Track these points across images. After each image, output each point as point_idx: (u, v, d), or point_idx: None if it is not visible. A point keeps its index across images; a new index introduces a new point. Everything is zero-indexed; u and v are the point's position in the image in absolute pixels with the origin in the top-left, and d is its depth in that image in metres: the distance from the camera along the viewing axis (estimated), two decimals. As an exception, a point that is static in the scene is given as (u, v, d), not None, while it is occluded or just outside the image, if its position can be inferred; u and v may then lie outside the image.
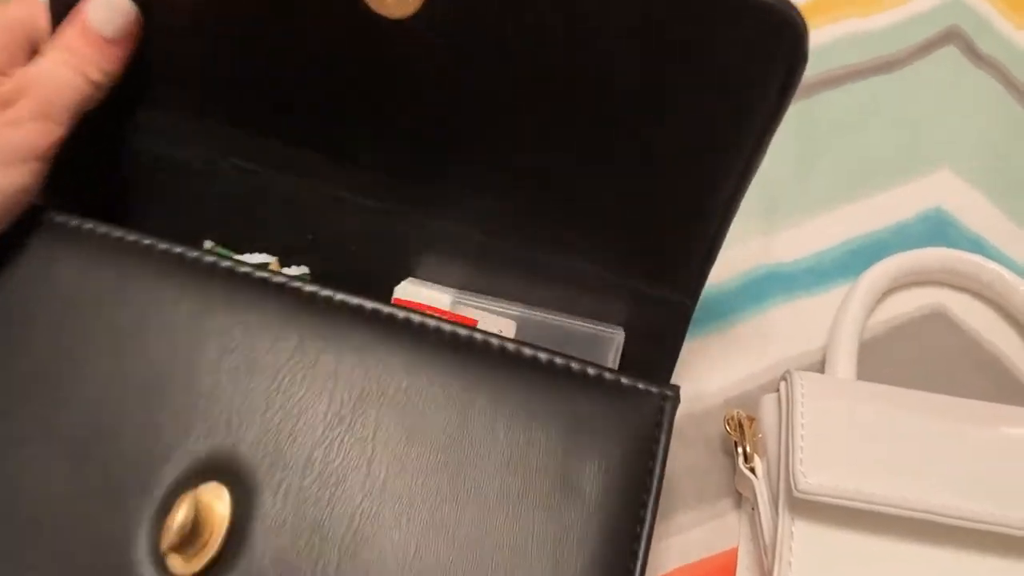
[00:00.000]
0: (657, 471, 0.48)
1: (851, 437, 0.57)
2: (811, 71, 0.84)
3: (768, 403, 0.61)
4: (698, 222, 0.51)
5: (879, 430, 0.58)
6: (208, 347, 0.49)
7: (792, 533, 0.56)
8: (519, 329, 0.58)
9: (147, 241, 0.52)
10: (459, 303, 0.58)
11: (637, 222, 0.52)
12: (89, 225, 0.53)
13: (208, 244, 0.61)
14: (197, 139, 0.58)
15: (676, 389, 0.49)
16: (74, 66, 0.55)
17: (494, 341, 0.50)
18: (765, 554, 0.57)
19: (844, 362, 0.68)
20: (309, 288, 0.50)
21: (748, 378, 0.69)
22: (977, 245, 0.77)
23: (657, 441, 0.49)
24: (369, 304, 0.50)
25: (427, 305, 0.58)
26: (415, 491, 0.47)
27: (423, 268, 0.59)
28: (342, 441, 0.48)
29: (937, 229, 0.79)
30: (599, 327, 0.57)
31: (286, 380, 0.49)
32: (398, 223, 0.57)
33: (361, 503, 0.47)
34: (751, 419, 0.62)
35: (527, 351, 0.49)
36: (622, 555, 0.48)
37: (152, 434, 0.48)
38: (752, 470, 0.59)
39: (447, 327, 0.50)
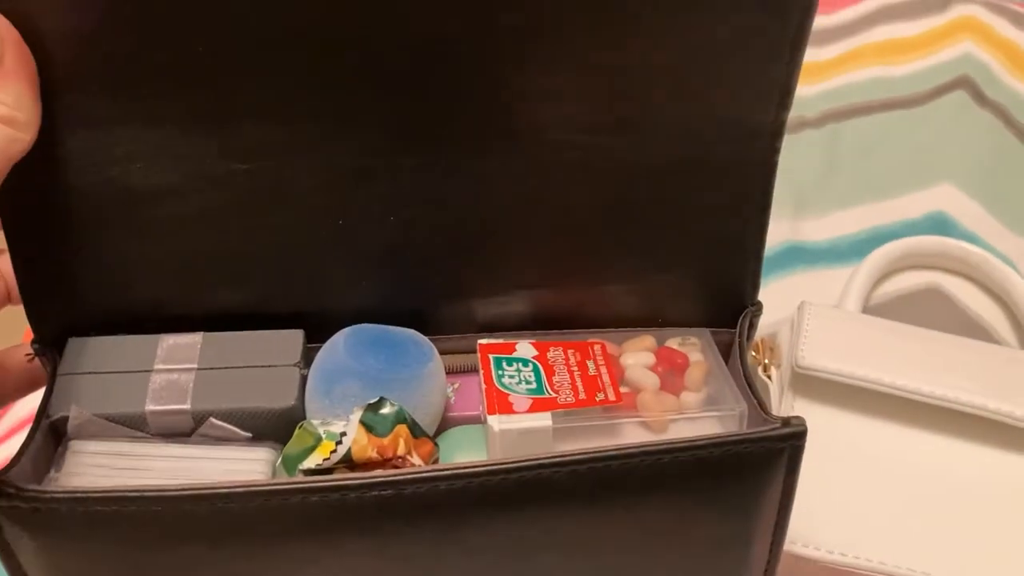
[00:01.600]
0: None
1: (848, 337, 0.61)
2: (843, 102, 0.87)
3: (785, 325, 0.66)
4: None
5: (871, 335, 0.62)
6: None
7: (792, 407, 0.61)
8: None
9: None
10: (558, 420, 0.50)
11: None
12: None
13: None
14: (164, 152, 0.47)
15: (801, 423, 0.46)
16: None
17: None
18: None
19: (852, 306, 0.73)
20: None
21: (772, 324, 0.70)
22: (972, 240, 0.80)
23: (788, 481, 0.48)
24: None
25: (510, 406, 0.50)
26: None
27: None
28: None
29: (938, 227, 0.83)
30: (718, 411, 0.53)
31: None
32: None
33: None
34: (771, 341, 0.67)
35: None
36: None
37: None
38: (769, 376, 0.63)
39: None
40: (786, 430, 0.46)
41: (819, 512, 0.55)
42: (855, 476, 0.58)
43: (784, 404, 0.61)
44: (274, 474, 0.49)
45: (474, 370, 0.54)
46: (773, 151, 0.49)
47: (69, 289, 0.50)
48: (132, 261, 0.50)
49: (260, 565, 0.47)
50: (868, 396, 0.59)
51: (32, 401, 0.52)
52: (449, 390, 0.55)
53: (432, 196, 0.50)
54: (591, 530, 0.48)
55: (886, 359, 0.59)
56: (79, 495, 0.43)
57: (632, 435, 0.53)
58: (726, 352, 0.56)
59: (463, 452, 0.52)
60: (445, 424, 0.54)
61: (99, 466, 0.48)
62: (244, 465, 0.49)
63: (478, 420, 0.54)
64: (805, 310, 0.63)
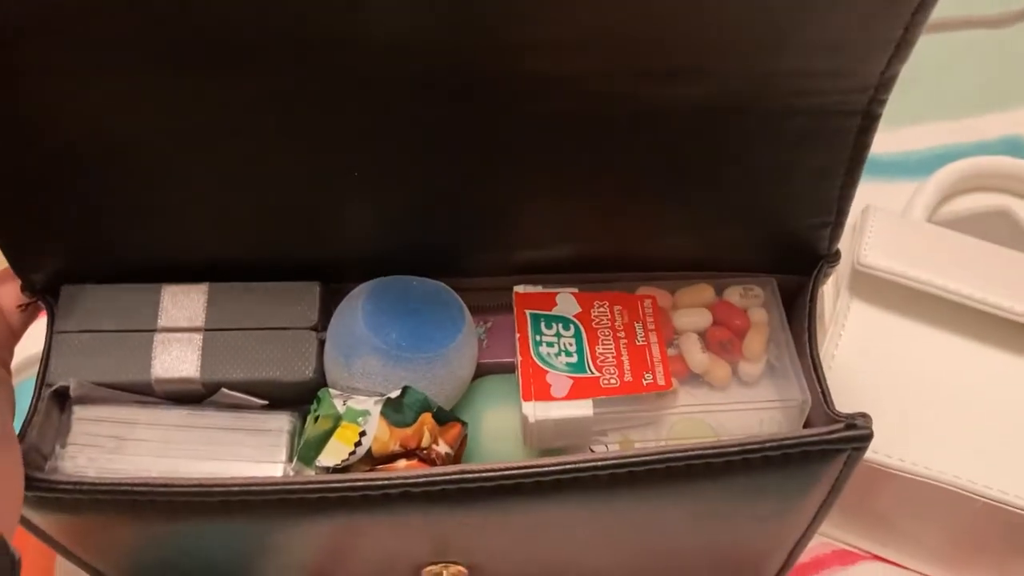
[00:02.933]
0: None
1: (911, 242, 0.57)
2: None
3: (847, 229, 0.59)
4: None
5: (936, 243, 0.57)
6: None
7: (849, 307, 0.57)
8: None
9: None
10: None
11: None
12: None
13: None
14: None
15: (867, 425, 0.41)
16: None
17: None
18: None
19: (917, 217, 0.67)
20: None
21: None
22: (1049, 168, 0.73)
23: (843, 474, 0.43)
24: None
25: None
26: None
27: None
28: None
29: (1013, 151, 0.74)
30: (781, 402, 0.46)
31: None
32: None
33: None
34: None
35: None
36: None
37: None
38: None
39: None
40: (850, 433, 0.40)
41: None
42: (903, 380, 0.54)
43: (840, 304, 0.56)
44: (293, 442, 0.44)
45: (508, 308, 0.48)
46: (878, 103, 0.40)
47: (53, 237, 0.43)
48: (122, 208, 0.43)
49: (275, 537, 0.43)
50: (926, 301, 0.55)
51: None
52: (481, 331, 0.49)
53: (472, 143, 0.42)
54: (627, 513, 0.44)
55: (949, 266, 0.54)
56: (86, 486, 0.39)
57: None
58: (789, 300, 0.49)
59: (495, 404, 0.47)
60: (478, 370, 0.48)
61: (106, 436, 0.43)
62: (260, 438, 0.43)
63: (511, 367, 0.47)
64: (870, 212, 0.58)
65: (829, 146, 0.42)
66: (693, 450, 0.39)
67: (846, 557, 0.58)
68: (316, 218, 0.44)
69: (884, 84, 0.39)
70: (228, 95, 0.38)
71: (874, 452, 0.51)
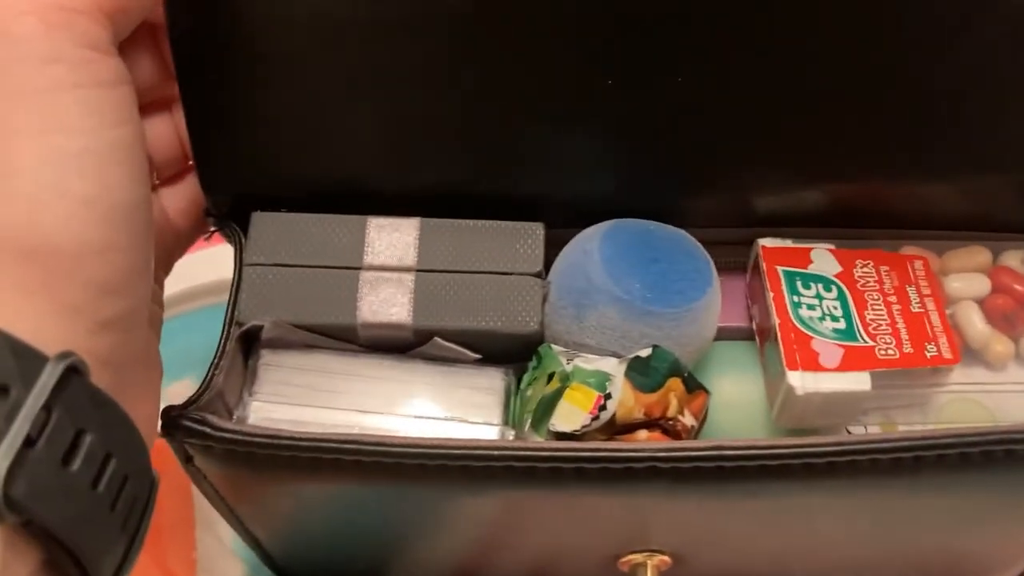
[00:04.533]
0: None
1: None
2: None
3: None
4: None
5: None
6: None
7: None
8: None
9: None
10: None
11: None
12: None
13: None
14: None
15: None
16: None
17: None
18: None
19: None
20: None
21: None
22: None
23: None
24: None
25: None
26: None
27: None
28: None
29: None
30: None
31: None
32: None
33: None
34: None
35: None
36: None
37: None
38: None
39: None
40: None
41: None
42: None
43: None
44: (509, 403, 0.38)
45: (740, 268, 0.42)
46: None
47: (247, 149, 0.37)
48: (325, 118, 0.36)
49: (468, 511, 0.38)
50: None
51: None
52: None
53: (705, 54, 0.35)
54: (883, 505, 0.37)
55: None
56: (283, 441, 0.33)
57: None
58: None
59: (731, 378, 0.41)
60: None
61: (299, 386, 0.37)
62: (472, 396, 0.37)
63: (743, 333, 0.41)
64: None
65: None
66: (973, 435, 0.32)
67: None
68: (521, 148, 0.38)
69: None
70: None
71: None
